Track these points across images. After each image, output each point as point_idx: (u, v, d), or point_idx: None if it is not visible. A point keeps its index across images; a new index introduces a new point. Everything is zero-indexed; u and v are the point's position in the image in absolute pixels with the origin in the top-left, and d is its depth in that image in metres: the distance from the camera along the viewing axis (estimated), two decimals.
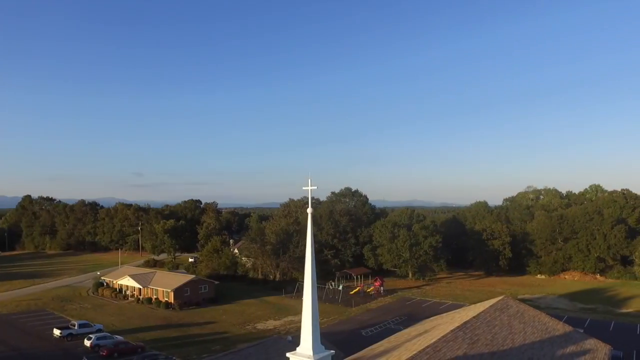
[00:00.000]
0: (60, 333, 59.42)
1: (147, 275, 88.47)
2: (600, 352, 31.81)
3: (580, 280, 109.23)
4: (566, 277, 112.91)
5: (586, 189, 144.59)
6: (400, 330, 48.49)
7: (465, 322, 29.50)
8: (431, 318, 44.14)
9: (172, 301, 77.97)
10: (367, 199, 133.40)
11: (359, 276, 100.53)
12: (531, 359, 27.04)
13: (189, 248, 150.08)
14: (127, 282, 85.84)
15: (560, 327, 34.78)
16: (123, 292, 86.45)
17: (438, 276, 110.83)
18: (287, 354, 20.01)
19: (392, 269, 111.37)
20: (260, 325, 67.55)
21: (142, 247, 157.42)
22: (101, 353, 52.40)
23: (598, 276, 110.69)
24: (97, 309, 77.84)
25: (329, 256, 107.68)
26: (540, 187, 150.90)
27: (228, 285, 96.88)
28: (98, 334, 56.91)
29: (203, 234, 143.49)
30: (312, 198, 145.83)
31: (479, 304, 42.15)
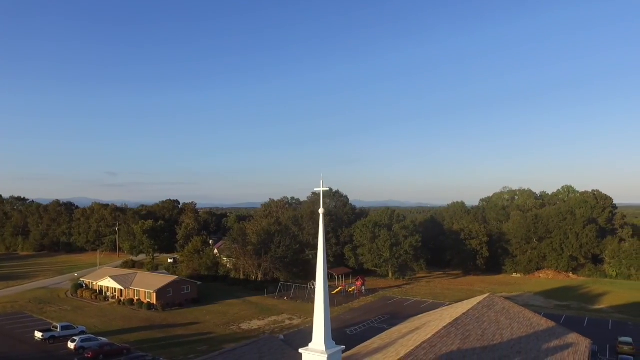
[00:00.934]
0: (42, 336, 58.38)
1: (128, 276, 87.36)
2: (582, 346, 33.36)
3: (554, 278, 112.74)
4: (541, 275, 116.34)
5: (559, 189, 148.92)
6: (385, 328, 49.49)
7: (456, 319, 30.59)
8: (419, 315, 45.27)
9: (155, 302, 77.30)
10: (348, 200, 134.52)
11: (340, 276, 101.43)
12: (520, 353, 28.26)
13: (168, 249, 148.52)
14: (108, 283, 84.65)
15: (543, 323, 36.28)
16: (104, 294, 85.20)
17: (417, 275, 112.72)
18: (300, 350, 20.54)
19: (373, 268, 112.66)
20: (244, 326, 67.67)
21: (120, 248, 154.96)
22: (86, 355, 51.79)
23: (571, 274, 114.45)
24: (78, 311, 76.50)
25: (310, 256, 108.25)
26: (515, 187, 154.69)
27: (210, 285, 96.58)
28: (82, 336, 56.06)
29: (182, 234, 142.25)
30: (293, 198, 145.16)
31: (465, 301, 43.47)
